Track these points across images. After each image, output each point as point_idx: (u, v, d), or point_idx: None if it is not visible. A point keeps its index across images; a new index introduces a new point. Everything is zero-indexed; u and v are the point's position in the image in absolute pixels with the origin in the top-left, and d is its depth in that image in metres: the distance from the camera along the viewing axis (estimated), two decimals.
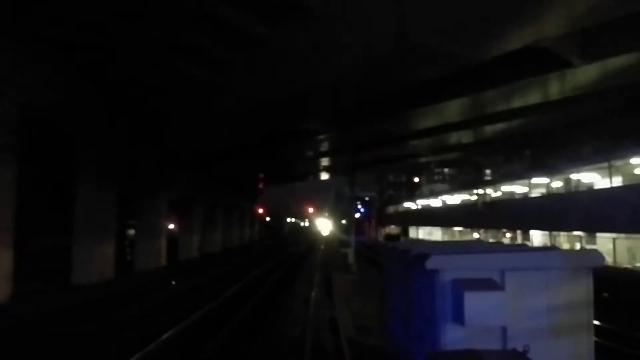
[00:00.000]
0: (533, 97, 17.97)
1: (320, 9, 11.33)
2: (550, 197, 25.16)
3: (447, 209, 42.05)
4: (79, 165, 20.56)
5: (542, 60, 13.59)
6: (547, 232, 25.94)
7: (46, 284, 18.29)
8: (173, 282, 21.48)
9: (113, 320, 13.15)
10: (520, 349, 4.62)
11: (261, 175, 47.78)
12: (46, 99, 16.55)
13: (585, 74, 14.75)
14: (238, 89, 16.97)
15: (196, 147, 26.95)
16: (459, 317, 4.98)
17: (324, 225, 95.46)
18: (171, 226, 35.67)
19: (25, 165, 15.67)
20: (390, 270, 8.18)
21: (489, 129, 24.27)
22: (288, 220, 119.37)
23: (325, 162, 37.09)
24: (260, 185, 59.39)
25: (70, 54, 15.48)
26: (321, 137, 24.94)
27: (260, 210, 74.51)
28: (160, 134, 23.78)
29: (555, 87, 16.54)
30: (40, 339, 10.97)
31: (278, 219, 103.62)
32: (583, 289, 5.37)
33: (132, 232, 30.54)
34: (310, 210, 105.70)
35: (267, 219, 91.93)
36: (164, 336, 10.81)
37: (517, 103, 18.70)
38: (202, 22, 12.62)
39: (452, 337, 5.06)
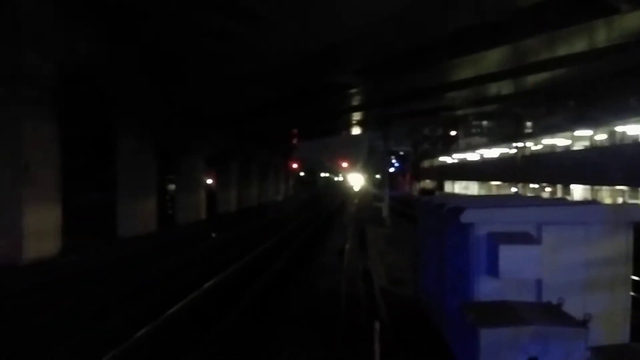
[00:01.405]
0: (578, 45, 17.07)
1: None
2: (594, 150, 24.35)
3: (484, 163, 41.33)
4: (119, 123, 21.14)
5: (588, 6, 12.84)
6: (588, 187, 25.25)
7: (94, 237, 19.26)
8: (213, 235, 22.22)
9: (163, 267, 13.95)
10: (555, 302, 4.64)
11: (295, 131, 47.84)
12: (85, 57, 16.84)
13: (633, 21, 13.87)
14: (270, 42, 16.81)
15: (230, 102, 27.09)
16: (493, 270, 5.01)
17: (358, 180, 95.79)
18: (209, 181, 36.56)
19: (69, 125, 16.18)
20: (424, 223, 8.22)
21: (531, 79, 23.35)
22: (322, 175, 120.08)
23: (358, 116, 36.68)
24: (294, 141, 59.64)
25: (104, 10, 15.60)
26: (354, 90, 24.58)
27: (295, 166, 75.13)
28: (195, 90, 23.98)
29: (601, 34, 15.64)
30: (98, 286, 11.65)
31: (312, 173, 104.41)
32: (622, 244, 5.29)
33: (172, 187, 31.50)
34: (344, 164, 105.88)
35: (301, 173, 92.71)
36: (206, 285, 11.33)
37: (561, 51, 17.81)
38: None
39: (486, 289, 5.12)
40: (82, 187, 22.87)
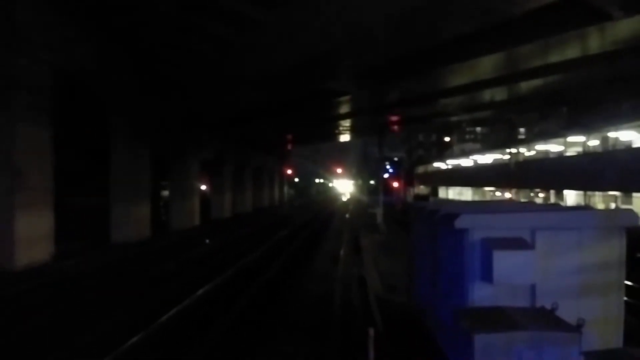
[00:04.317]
0: (571, 52, 17.20)
1: None
2: (586, 155, 24.47)
3: (478, 169, 41.46)
4: (113, 128, 21.06)
5: (580, 13, 12.93)
6: (581, 192, 25.39)
7: (86, 243, 19.11)
8: (207, 241, 22.12)
9: (154, 275, 13.86)
10: (548, 306, 4.65)
11: (289, 136, 47.87)
12: (79, 63, 16.81)
13: (625, 28, 14.00)
14: (266, 48, 16.83)
15: (225, 108, 27.10)
16: (487, 275, 5.01)
17: (352, 186, 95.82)
18: (203, 187, 36.41)
19: (63, 129, 16.12)
20: (418, 229, 8.21)
21: (524, 86, 23.47)
22: (316, 180, 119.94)
23: (353, 122, 36.76)
24: (289, 146, 59.68)
25: (102, 18, 15.62)
26: (348, 97, 24.63)
27: (289, 171, 75.04)
28: (190, 95, 23.97)
29: (594, 41, 15.77)
30: (87, 293, 11.57)
31: (306, 179, 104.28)
32: (615, 249, 5.30)
33: (166, 193, 31.35)
34: (339, 170, 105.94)
35: (296, 179, 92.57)
36: (203, 289, 11.26)
37: (554, 58, 17.93)
38: None
39: (480, 294, 5.11)
40: (77, 191, 22.72)
